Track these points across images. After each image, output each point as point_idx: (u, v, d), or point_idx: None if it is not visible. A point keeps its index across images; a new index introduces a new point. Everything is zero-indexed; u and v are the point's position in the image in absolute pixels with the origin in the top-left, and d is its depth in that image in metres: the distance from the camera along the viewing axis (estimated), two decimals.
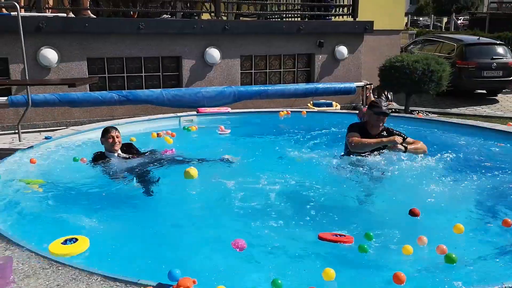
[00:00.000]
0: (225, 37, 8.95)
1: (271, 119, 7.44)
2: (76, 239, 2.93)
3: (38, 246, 2.85)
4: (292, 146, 5.63)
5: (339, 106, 8.91)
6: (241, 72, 9.34)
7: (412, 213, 3.51)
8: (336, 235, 3.17)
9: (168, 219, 3.80)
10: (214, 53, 8.83)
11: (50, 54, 7.78)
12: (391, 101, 10.82)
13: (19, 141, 5.84)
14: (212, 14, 9.48)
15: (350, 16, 10.19)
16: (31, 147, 5.38)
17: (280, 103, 9.21)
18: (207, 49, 8.81)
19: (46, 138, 5.84)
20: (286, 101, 9.31)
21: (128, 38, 8.29)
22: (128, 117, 7.94)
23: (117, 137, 4.67)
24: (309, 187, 4.26)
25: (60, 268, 2.57)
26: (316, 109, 8.66)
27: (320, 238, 3.12)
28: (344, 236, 3.17)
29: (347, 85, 9.30)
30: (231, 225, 3.59)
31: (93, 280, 2.44)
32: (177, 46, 8.68)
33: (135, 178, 4.44)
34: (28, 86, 6.13)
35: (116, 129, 4.78)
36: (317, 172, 4.62)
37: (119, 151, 4.75)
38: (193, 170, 4.17)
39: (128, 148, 4.92)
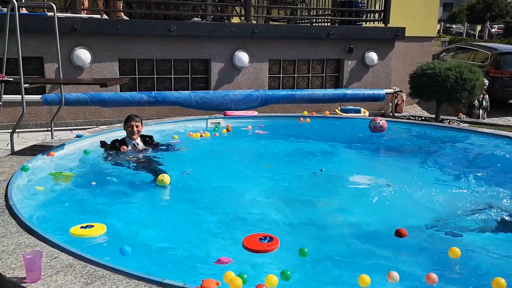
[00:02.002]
0: (254, 40, 8.97)
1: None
2: (92, 226, 3.22)
3: (67, 242, 2.91)
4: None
5: (367, 113, 8.78)
6: (269, 76, 9.33)
7: (399, 233, 3.24)
8: (262, 238, 3.00)
9: (176, 210, 3.91)
10: (242, 57, 8.85)
11: (83, 55, 7.96)
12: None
13: (51, 138, 5.98)
14: (242, 18, 9.52)
15: (382, 22, 10.05)
16: (63, 144, 5.50)
17: (307, 108, 9.12)
18: (236, 52, 8.84)
19: (77, 136, 5.97)
20: (313, 106, 9.25)
21: (159, 40, 8.41)
22: (157, 118, 8.05)
23: (136, 127, 5.07)
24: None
25: (87, 265, 2.60)
26: (344, 115, 8.56)
27: (245, 247, 2.93)
28: (271, 239, 2.99)
29: (376, 91, 9.19)
30: (245, 217, 3.68)
31: (119, 279, 2.46)
32: (206, 49, 8.75)
33: (143, 168, 4.71)
34: (61, 85, 6.28)
35: (137, 119, 5.11)
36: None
37: (138, 140, 5.14)
38: (165, 177, 4.24)
39: (148, 139, 5.27)
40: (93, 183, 4.33)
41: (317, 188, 4.44)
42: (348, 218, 3.76)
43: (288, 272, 2.55)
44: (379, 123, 6.37)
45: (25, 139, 7.01)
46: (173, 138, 6.24)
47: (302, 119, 7.37)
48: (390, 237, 3.25)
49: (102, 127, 6.95)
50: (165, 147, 5.42)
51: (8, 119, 7.67)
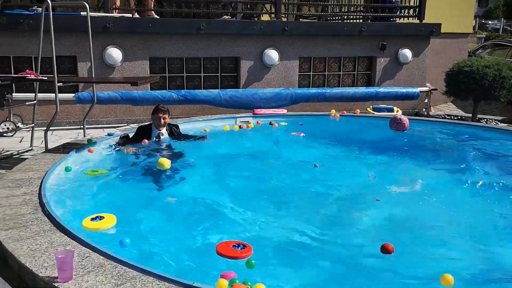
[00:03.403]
0: (284, 38, 8.86)
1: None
2: (102, 217, 3.26)
3: (98, 242, 2.90)
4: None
5: (400, 112, 8.52)
6: (299, 74, 9.20)
7: (385, 249, 2.98)
8: (235, 245, 2.91)
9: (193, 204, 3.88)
10: (272, 54, 8.76)
11: (115, 53, 8.05)
12: None
13: (84, 136, 6.05)
14: (272, 15, 9.43)
15: (416, 18, 9.75)
16: (95, 142, 5.54)
17: (337, 107, 8.93)
18: (265, 50, 8.75)
19: (108, 134, 6.01)
20: (344, 105, 9.04)
21: (189, 38, 8.41)
22: (186, 117, 8.05)
23: (163, 118, 5.22)
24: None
25: (117, 265, 2.57)
26: (376, 114, 8.34)
27: (219, 253, 2.86)
28: (244, 247, 2.90)
29: (410, 90, 8.92)
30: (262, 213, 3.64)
31: (149, 281, 2.42)
32: (236, 47, 8.69)
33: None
34: (93, 84, 6.35)
35: (165, 110, 5.25)
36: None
37: (163, 130, 5.30)
38: (166, 162, 4.38)
39: (173, 128, 5.43)
40: (119, 179, 4.43)
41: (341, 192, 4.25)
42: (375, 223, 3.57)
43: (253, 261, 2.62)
44: (402, 118, 6.16)
45: (58, 137, 7.13)
46: (204, 130, 6.40)
47: (332, 114, 7.21)
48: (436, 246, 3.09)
49: (132, 125, 7.00)
50: (190, 138, 5.53)
51: (43, 117, 7.83)
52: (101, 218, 3.29)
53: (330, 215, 3.74)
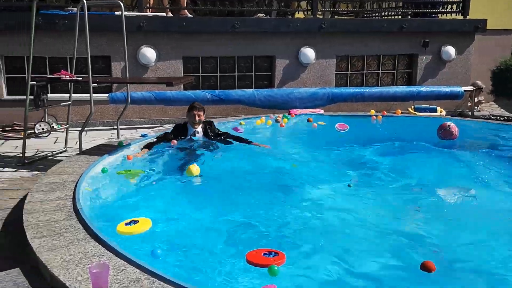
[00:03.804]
0: (320, 36, 8.55)
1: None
2: (137, 221, 3.13)
3: (133, 249, 2.73)
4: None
5: (444, 112, 8.08)
6: (336, 73, 8.88)
7: (426, 267, 2.68)
8: (266, 253, 2.68)
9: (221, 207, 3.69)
10: (308, 53, 8.47)
11: (149, 53, 7.95)
12: None
13: (117, 137, 5.94)
14: (306, 12, 9.15)
15: (460, 13, 9.25)
16: (129, 144, 5.42)
17: (376, 107, 8.57)
18: (301, 48, 8.48)
19: (142, 135, 5.89)
20: (383, 105, 8.66)
21: (223, 37, 8.23)
22: (220, 117, 7.87)
23: (198, 116, 5.16)
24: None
25: (155, 281, 2.38)
26: (418, 114, 7.93)
27: (249, 261, 2.66)
28: (276, 254, 2.68)
29: (454, 89, 8.43)
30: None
31: None
32: (271, 45, 8.46)
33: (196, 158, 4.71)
34: (127, 84, 6.24)
35: (200, 108, 5.19)
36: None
37: (198, 128, 5.24)
38: (194, 168, 4.26)
39: (208, 126, 5.32)
40: (153, 182, 4.25)
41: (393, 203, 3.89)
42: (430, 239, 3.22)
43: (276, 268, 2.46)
44: (451, 124, 5.72)
45: (92, 138, 7.08)
46: (240, 124, 6.28)
47: (374, 117, 6.87)
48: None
49: (166, 126, 6.87)
50: (224, 136, 5.38)
51: (77, 117, 7.81)
52: (135, 222, 3.14)
53: (366, 225, 3.42)
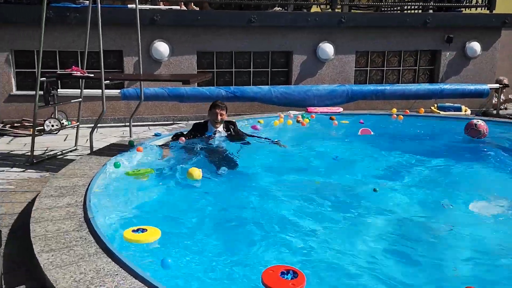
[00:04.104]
0: (340, 31, 8.22)
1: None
2: (145, 230, 2.92)
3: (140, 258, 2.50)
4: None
5: (469, 111, 7.73)
6: (355, 70, 8.54)
7: None
8: (284, 272, 2.35)
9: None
10: (327, 48, 8.15)
11: (162, 47, 7.69)
12: None
13: (130, 136, 5.69)
14: (323, 6, 8.81)
15: (486, 8, 8.84)
16: (142, 143, 5.17)
17: (397, 105, 8.25)
18: (320, 44, 8.16)
19: (155, 135, 5.64)
20: (404, 103, 8.34)
21: (238, 31, 7.94)
22: (234, 115, 7.60)
23: (221, 115, 4.85)
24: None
25: None
26: (441, 113, 7.58)
27: (265, 284, 2.31)
28: (296, 274, 2.33)
29: (478, 86, 8.07)
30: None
31: None
32: (288, 40, 8.14)
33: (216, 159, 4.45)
34: (141, 81, 5.97)
35: (223, 107, 4.88)
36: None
37: (220, 128, 4.93)
38: (196, 172, 3.95)
39: (230, 126, 5.01)
40: (164, 185, 4.00)
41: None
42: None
43: None
44: (479, 122, 5.36)
45: (103, 135, 6.85)
46: (258, 122, 6.06)
47: (395, 116, 6.55)
48: None
49: (180, 124, 6.60)
50: (247, 137, 5.07)
51: (88, 113, 7.60)
52: (143, 230, 2.91)
53: (394, 243, 3.08)
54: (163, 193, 3.89)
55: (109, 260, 2.56)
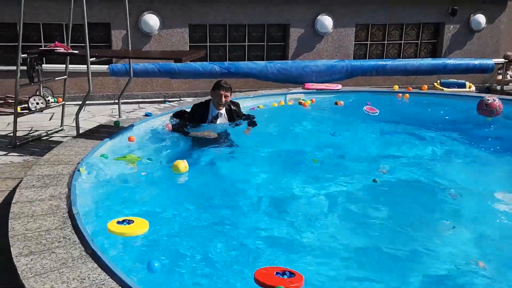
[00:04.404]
0: (339, 2, 7.81)
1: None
2: (132, 221, 2.68)
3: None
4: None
5: (473, 87, 7.45)
6: (354, 43, 8.19)
7: None
8: (279, 273, 2.15)
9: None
10: (326, 21, 7.77)
11: (152, 20, 7.27)
12: None
13: (119, 116, 5.37)
14: None
15: None
16: (132, 125, 4.85)
17: (398, 81, 7.96)
18: (318, 16, 7.77)
19: (146, 115, 5.32)
20: (404, 79, 8.04)
21: (233, 3, 7.52)
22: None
23: (225, 96, 4.38)
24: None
25: None
26: (445, 90, 7.30)
27: (258, 281, 2.12)
28: (293, 275, 2.15)
29: (483, 61, 7.76)
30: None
31: None
32: (285, 12, 7.74)
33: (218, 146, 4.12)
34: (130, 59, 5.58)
35: (228, 88, 4.40)
36: None
37: (222, 110, 4.48)
38: (181, 165, 3.58)
39: (233, 109, 4.57)
40: (143, 173, 3.69)
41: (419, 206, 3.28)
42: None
43: None
44: (489, 101, 5.06)
45: (91, 114, 6.51)
46: (258, 107, 5.69)
47: (400, 95, 6.26)
48: None
49: (172, 103, 6.26)
50: (250, 120, 4.64)
51: (75, 90, 7.23)
52: (129, 222, 2.67)
53: (393, 238, 2.86)
54: (153, 183, 3.61)
55: (95, 265, 2.30)
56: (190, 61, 7.47)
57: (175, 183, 3.63)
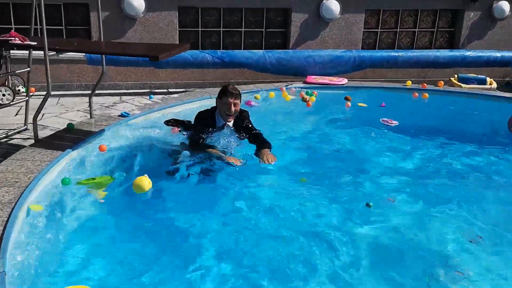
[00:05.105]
0: None
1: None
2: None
3: None
4: None
5: (494, 84, 6.68)
6: (363, 31, 7.38)
7: None
8: None
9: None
10: (332, 6, 6.95)
11: (136, 1, 6.45)
12: None
13: (90, 117, 4.62)
14: None
15: None
16: (103, 130, 4.12)
17: (409, 74, 7.21)
18: (324, 0, 6.94)
19: (122, 115, 4.58)
20: (417, 72, 7.26)
21: None
22: (222, 83, 6.50)
23: (234, 105, 3.42)
24: None
25: None
26: (463, 86, 6.54)
27: None
28: None
29: (506, 53, 6.98)
30: None
31: None
32: None
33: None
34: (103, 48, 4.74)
35: (237, 95, 3.43)
36: None
37: (230, 123, 3.55)
38: (146, 181, 2.96)
39: (242, 119, 3.58)
40: (101, 200, 2.98)
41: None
42: None
43: None
44: None
45: (65, 107, 5.75)
46: (255, 98, 5.21)
47: (417, 94, 5.52)
48: None
49: (157, 98, 5.50)
50: (253, 135, 3.60)
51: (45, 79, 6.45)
52: None
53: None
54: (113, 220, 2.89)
55: None
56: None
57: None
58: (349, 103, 5.21)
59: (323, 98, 5.52)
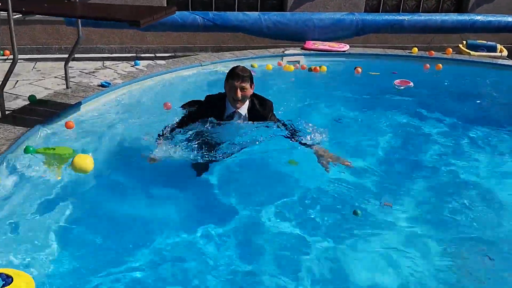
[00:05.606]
0: None
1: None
2: (11, 278, 1.90)
3: None
4: None
5: (505, 52, 6.25)
6: None
7: None
8: None
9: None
10: None
11: None
12: None
13: (66, 87, 4.15)
14: None
15: None
16: (79, 103, 3.69)
17: (413, 39, 6.74)
18: None
19: (102, 85, 4.14)
20: (422, 37, 6.80)
21: None
22: (214, 47, 6.04)
23: (241, 89, 2.88)
24: None
25: None
26: (472, 53, 6.11)
27: None
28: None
29: None
30: None
31: None
32: None
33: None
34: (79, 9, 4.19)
35: (245, 77, 2.86)
36: None
37: (240, 109, 2.98)
38: (87, 160, 2.55)
39: (259, 106, 3.02)
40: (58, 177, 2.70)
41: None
42: None
43: None
44: None
45: (41, 74, 5.26)
46: (252, 66, 4.98)
47: (428, 65, 5.12)
48: None
49: (143, 65, 5.02)
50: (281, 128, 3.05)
51: (25, 41, 6.02)
52: (7, 279, 1.85)
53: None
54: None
55: None
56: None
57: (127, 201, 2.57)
58: (359, 69, 4.82)
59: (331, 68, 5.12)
